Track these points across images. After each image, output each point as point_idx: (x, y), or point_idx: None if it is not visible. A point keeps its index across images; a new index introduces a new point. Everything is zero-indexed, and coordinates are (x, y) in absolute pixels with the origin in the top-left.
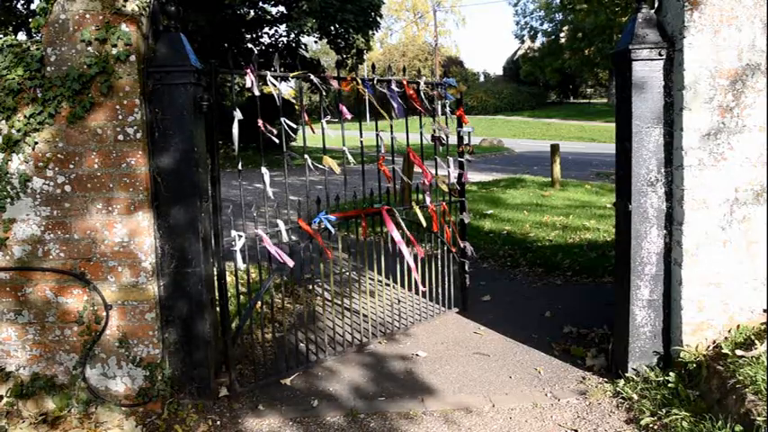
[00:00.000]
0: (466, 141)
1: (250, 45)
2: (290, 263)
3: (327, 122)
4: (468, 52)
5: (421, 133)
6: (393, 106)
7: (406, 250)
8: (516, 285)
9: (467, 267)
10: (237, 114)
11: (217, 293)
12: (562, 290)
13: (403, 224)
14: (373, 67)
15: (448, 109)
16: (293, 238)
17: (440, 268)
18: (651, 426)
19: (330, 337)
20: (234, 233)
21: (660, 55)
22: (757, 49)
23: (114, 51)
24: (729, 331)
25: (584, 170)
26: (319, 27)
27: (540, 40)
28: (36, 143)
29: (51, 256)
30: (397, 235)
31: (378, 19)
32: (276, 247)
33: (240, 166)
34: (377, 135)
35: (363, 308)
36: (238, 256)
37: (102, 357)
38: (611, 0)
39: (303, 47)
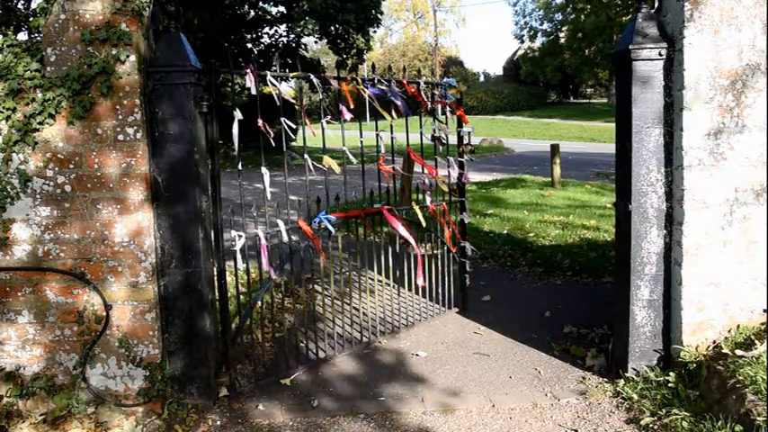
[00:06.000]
0: (466, 141)
1: (250, 45)
2: (274, 276)
3: (327, 123)
4: (468, 52)
5: (421, 133)
6: (397, 104)
7: (415, 244)
8: (516, 285)
9: (467, 267)
10: (237, 114)
11: (217, 293)
12: (562, 290)
13: (404, 224)
14: (373, 67)
15: (448, 109)
16: (293, 238)
17: (440, 268)
18: (651, 426)
19: (330, 336)
20: (234, 233)
21: (660, 55)
22: (757, 48)
23: (114, 51)
24: (729, 331)
25: (585, 170)
26: (320, 27)
27: (539, 40)
28: (36, 143)
29: (51, 256)
30: (403, 230)
31: (378, 16)
32: (267, 257)
33: (240, 166)
34: (377, 135)
35: (363, 308)
36: (238, 256)
37: (103, 357)
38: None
39: (303, 47)
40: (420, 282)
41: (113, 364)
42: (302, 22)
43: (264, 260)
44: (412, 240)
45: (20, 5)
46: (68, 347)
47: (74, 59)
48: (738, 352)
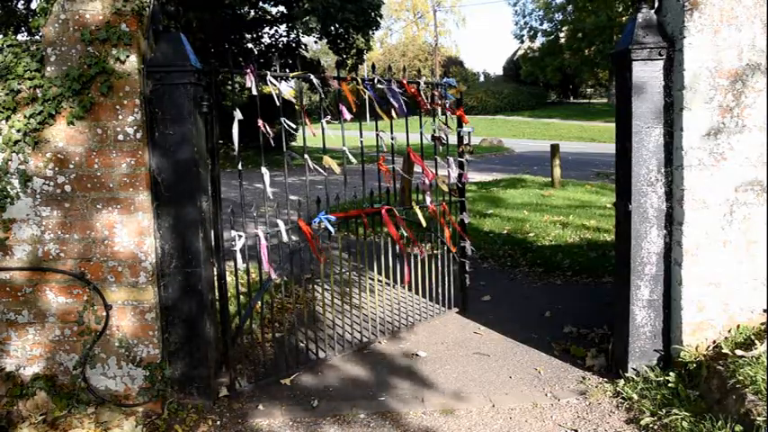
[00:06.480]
0: (466, 141)
1: (250, 45)
2: (274, 276)
3: (327, 123)
4: (468, 52)
5: (421, 133)
6: (394, 106)
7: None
8: (516, 285)
9: (467, 267)
10: (237, 114)
11: (217, 293)
12: (562, 290)
13: (404, 224)
14: (373, 67)
15: (448, 109)
16: (293, 238)
17: (440, 268)
18: (651, 426)
19: (330, 336)
20: (234, 233)
21: (660, 55)
22: (757, 48)
23: (114, 51)
24: (729, 331)
25: (585, 170)
26: (321, 26)
27: (539, 40)
28: (36, 143)
29: (51, 256)
30: (397, 235)
31: (378, 19)
32: (266, 257)
33: (240, 166)
34: (377, 135)
35: (363, 308)
36: (238, 256)
37: (102, 357)
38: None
39: (303, 47)
40: (407, 275)
41: (113, 364)
42: (304, 20)
43: (264, 260)
44: (402, 243)
45: (20, 5)
46: (68, 347)
47: (74, 59)
48: (738, 352)
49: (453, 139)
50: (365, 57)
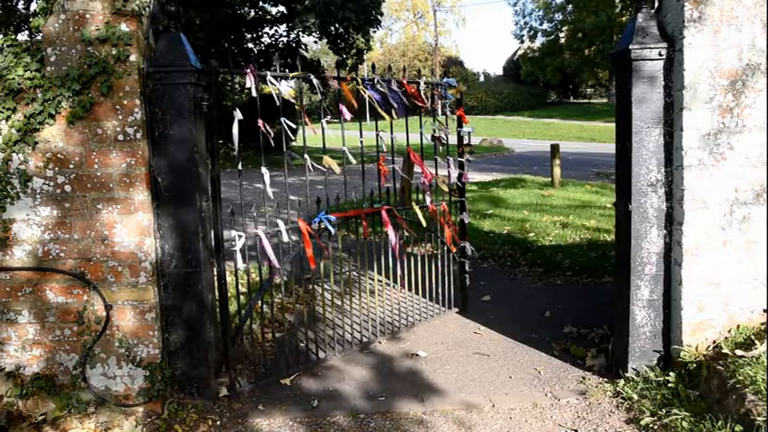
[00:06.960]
0: (466, 141)
1: (250, 45)
2: (277, 265)
3: (327, 123)
4: (468, 52)
5: (421, 133)
6: (394, 106)
7: (399, 252)
8: (516, 285)
9: (467, 267)
10: (237, 114)
11: (217, 293)
12: (562, 290)
13: (405, 224)
14: (373, 67)
15: (448, 109)
16: (293, 238)
17: (440, 268)
18: (651, 426)
19: (330, 336)
20: (234, 233)
21: (660, 55)
22: (757, 48)
23: (114, 51)
24: (729, 331)
25: (585, 170)
26: (320, 26)
27: (539, 40)
28: (36, 143)
29: (51, 256)
30: (393, 237)
31: (378, 18)
32: (271, 249)
33: (240, 166)
34: (377, 135)
35: (363, 308)
36: (238, 256)
37: (103, 357)
38: None
39: (303, 47)
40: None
41: (113, 364)
42: (304, 18)
43: (272, 257)
44: (396, 249)
45: (20, 5)
46: (68, 347)
47: (74, 59)
48: (738, 352)
49: (453, 139)
50: (365, 57)
